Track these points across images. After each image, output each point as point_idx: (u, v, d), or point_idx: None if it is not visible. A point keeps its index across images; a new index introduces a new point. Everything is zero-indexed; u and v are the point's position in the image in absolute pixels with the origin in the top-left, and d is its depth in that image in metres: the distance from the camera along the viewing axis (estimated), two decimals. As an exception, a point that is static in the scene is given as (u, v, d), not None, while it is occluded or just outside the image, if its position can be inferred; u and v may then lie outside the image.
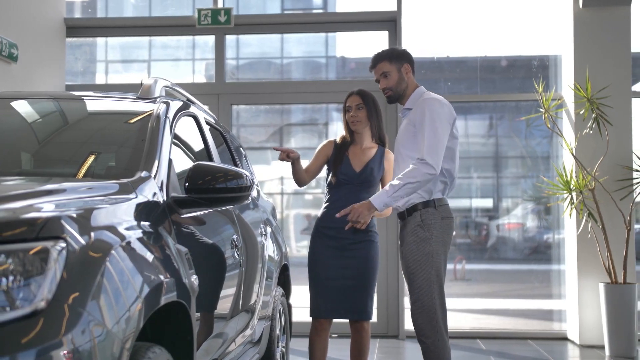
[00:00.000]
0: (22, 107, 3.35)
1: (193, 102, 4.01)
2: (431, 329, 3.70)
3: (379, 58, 4.05)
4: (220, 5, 7.53)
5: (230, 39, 7.77)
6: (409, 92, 4.02)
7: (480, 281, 8.49)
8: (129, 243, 2.25)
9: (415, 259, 3.76)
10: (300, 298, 6.08)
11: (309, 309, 4.42)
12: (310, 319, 4.46)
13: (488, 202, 8.53)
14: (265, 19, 7.92)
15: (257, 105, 7.91)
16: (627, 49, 6.87)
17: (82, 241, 2.03)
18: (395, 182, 3.69)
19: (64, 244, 1.95)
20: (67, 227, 2.00)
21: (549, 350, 6.57)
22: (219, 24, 7.39)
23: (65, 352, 1.83)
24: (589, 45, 6.88)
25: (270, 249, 4.42)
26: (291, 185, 8.22)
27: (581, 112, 6.72)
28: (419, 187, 3.70)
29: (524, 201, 8.36)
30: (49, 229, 1.95)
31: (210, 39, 7.75)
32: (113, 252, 2.14)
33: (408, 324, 7.14)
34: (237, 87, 7.69)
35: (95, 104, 3.48)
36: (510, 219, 8.44)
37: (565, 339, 7.12)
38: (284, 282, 5.00)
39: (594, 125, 6.63)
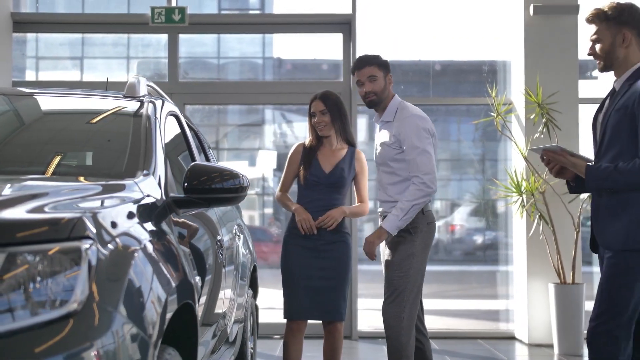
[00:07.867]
0: (14, 104, 3.25)
1: (168, 101, 3.95)
2: (397, 324, 3.86)
3: (367, 62, 4.10)
4: (173, 3, 7.43)
5: (164, 37, 7.60)
6: (387, 101, 4.13)
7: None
8: (147, 243, 2.22)
9: (397, 258, 3.93)
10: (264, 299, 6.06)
11: (282, 310, 4.41)
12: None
13: (436, 204, 8.65)
14: (219, 18, 7.86)
15: (210, 105, 7.83)
16: (575, 56, 7.08)
17: (107, 241, 1.99)
18: (402, 205, 3.87)
19: (90, 244, 1.91)
20: (91, 226, 1.96)
21: (501, 350, 6.72)
22: (173, 22, 7.28)
23: (95, 352, 1.80)
24: (539, 51, 7.06)
25: (242, 250, 4.40)
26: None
27: (532, 117, 6.89)
28: (423, 205, 3.93)
29: (471, 203, 8.51)
30: (79, 228, 1.90)
31: (155, 37, 7.67)
32: (136, 252, 2.10)
33: (361, 325, 7.21)
34: (190, 87, 7.60)
35: (87, 102, 3.40)
36: (457, 220, 8.58)
37: (512, 338, 7.28)
38: (252, 284, 4.97)
39: (544, 130, 6.80)
